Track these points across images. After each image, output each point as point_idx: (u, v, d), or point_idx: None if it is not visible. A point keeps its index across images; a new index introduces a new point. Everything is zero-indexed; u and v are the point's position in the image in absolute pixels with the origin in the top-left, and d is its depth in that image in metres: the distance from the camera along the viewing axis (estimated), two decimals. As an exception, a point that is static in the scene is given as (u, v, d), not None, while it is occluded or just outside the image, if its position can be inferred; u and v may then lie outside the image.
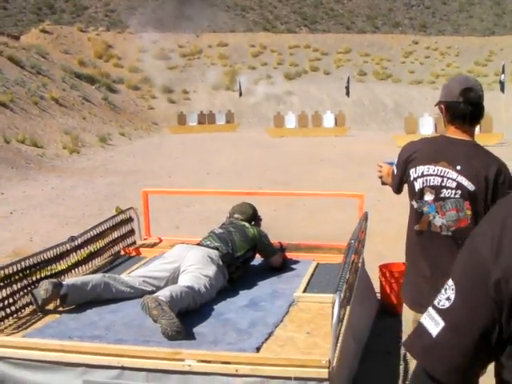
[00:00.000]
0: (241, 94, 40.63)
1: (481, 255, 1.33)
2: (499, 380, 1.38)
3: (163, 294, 3.90)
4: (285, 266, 5.25)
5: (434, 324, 1.39)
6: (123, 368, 3.28)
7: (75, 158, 21.76)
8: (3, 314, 3.94)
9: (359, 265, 4.97)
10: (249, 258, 5.09)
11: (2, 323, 3.91)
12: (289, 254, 5.52)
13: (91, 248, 5.30)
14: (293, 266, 5.28)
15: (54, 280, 4.25)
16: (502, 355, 1.35)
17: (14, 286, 4.11)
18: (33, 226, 10.59)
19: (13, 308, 4.04)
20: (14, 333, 3.80)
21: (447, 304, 1.38)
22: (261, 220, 5.59)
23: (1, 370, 3.45)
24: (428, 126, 26.06)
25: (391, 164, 3.68)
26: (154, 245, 6.15)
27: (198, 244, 4.97)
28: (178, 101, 43.29)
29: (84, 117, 30.59)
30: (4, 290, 4.00)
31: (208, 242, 4.94)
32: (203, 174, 17.34)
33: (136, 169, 18.82)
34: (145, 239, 6.30)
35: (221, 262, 4.68)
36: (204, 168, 18.52)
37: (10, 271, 4.09)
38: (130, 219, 6.07)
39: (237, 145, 25.92)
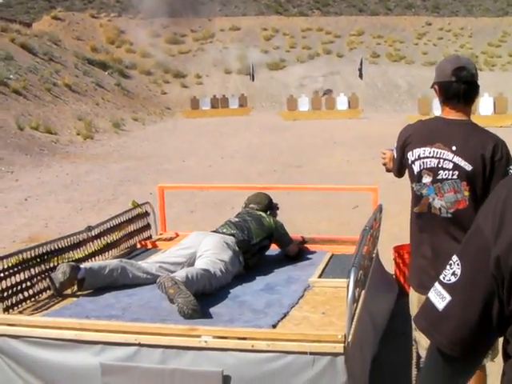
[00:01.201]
0: (253, 78, 40.54)
1: (482, 233, 1.37)
2: (505, 356, 1.43)
3: (179, 275, 3.94)
4: (300, 256, 5.27)
5: (440, 298, 1.44)
6: (140, 345, 3.31)
7: (89, 144, 21.85)
8: (21, 296, 3.99)
9: (373, 255, 4.97)
10: (265, 246, 5.09)
11: (21, 306, 3.96)
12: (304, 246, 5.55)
13: (108, 239, 5.29)
14: (308, 256, 5.31)
15: (72, 263, 4.29)
16: (507, 332, 1.38)
17: (32, 270, 4.14)
18: (48, 212, 10.67)
19: (30, 291, 4.08)
20: (32, 314, 3.85)
21: (453, 279, 1.42)
22: (277, 209, 5.61)
23: (20, 350, 3.49)
24: (442, 106, 25.95)
25: (393, 149, 3.70)
26: (170, 239, 6.04)
27: (214, 231, 4.98)
28: (190, 85, 43.27)
29: (97, 103, 30.66)
30: (22, 274, 4.04)
31: (224, 230, 4.95)
32: (217, 157, 17.37)
33: (150, 153, 18.88)
34: (160, 234, 6.20)
35: (237, 248, 4.69)
36: (218, 152, 18.54)
37: (28, 256, 4.13)
38: (146, 213, 6.00)
39: (250, 128, 25.91)
